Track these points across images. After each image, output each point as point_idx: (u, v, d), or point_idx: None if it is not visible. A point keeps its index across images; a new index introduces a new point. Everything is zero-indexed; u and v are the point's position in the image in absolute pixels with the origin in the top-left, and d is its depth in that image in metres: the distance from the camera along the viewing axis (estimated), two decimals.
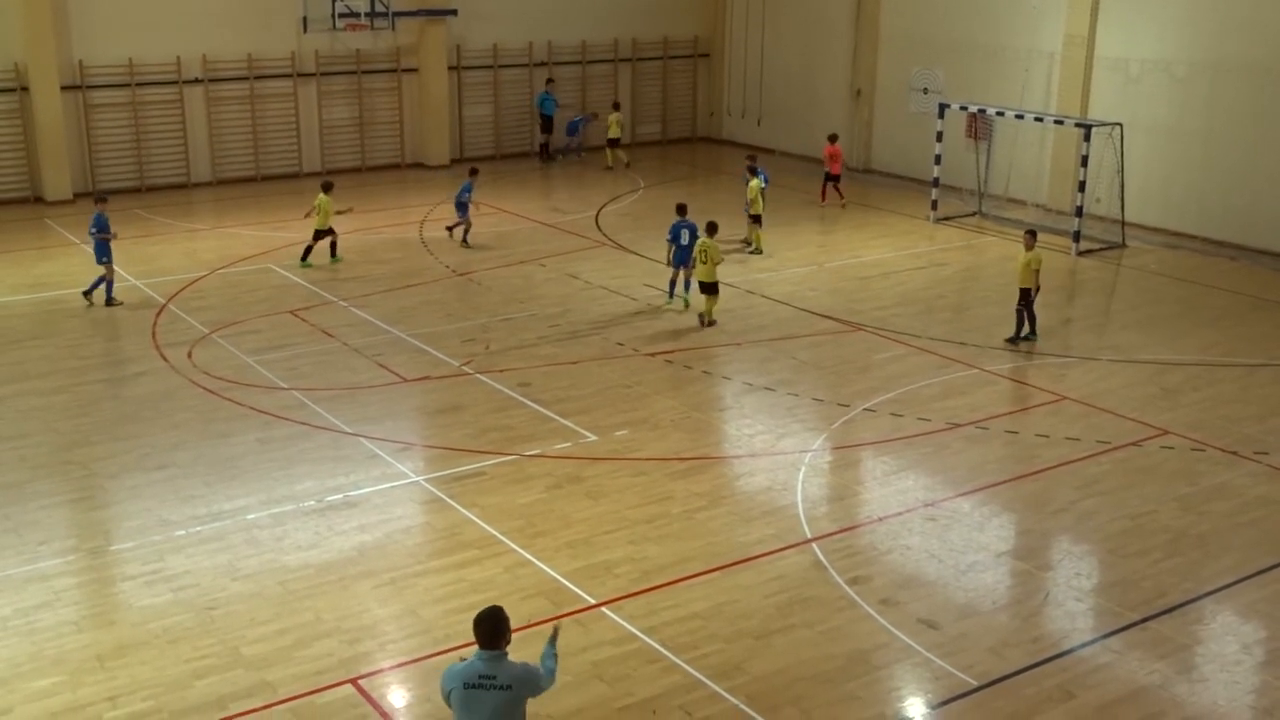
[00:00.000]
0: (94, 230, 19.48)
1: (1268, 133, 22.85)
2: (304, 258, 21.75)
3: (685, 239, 19.38)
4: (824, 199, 26.99)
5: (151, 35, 26.91)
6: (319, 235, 21.84)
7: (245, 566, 11.65)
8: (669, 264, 19.74)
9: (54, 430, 14.77)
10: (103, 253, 19.33)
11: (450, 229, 23.78)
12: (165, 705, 9.56)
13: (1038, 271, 17.98)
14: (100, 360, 17.12)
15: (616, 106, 31.69)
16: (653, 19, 33.34)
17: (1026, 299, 18.07)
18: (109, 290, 19.38)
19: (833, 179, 26.87)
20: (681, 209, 20.04)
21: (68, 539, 12.20)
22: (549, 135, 31.60)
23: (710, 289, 18.82)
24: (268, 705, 9.58)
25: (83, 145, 26.74)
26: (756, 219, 23.04)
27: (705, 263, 18.75)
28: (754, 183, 22.93)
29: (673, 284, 19.81)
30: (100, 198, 20.21)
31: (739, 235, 23.30)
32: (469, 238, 23.40)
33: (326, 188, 22.10)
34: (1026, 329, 18.22)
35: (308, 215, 22.08)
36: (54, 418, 15.14)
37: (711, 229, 18.96)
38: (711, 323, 18.82)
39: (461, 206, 23.45)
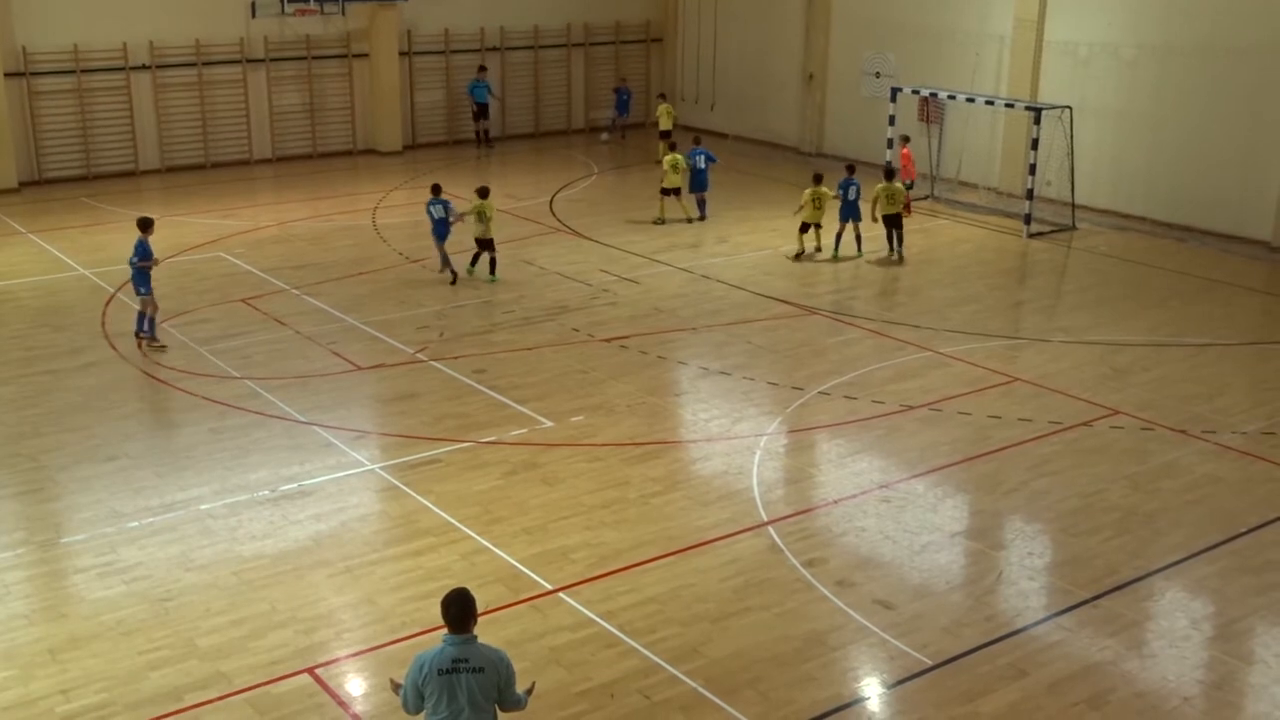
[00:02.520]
0: (135, 259, 16.71)
1: (1215, 115, 23.12)
2: (472, 263, 20.25)
3: (852, 195, 21.67)
4: (908, 210, 24.22)
5: (97, 21, 26.54)
6: (483, 244, 20.00)
7: (199, 557, 11.56)
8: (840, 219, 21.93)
9: (1, 422, 14.56)
10: (142, 283, 16.74)
11: (449, 267, 20.10)
12: (119, 698, 9.48)
13: (900, 199, 21.53)
14: (48, 351, 16.90)
15: (663, 97, 31.19)
16: (605, 4, 33.24)
17: (898, 223, 21.63)
18: (151, 328, 16.91)
19: (908, 186, 24.42)
20: (850, 168, 22.38)
21: (17, 532, 12.04)
22: (486, 122, 30.86)
23: (811, 228, 21.77)
24: (224, 696, 9.52)
25: (28, 133, 26.35)
26: (667, 192, 23.90)
27: (819, 208, 21.48)
28: (668, 157, 23.96)
29: (838, 237, 21.80)
30: (143, 223, 17.04)
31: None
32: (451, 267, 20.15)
33: (484, 193, 20.00)
34: (895, 249, 21.68)
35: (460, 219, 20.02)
36: (1, 410, 14.93)
37: (818, 179, 21.82)
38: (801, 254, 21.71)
39: (442, 231, 19.98)
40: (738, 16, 32.22)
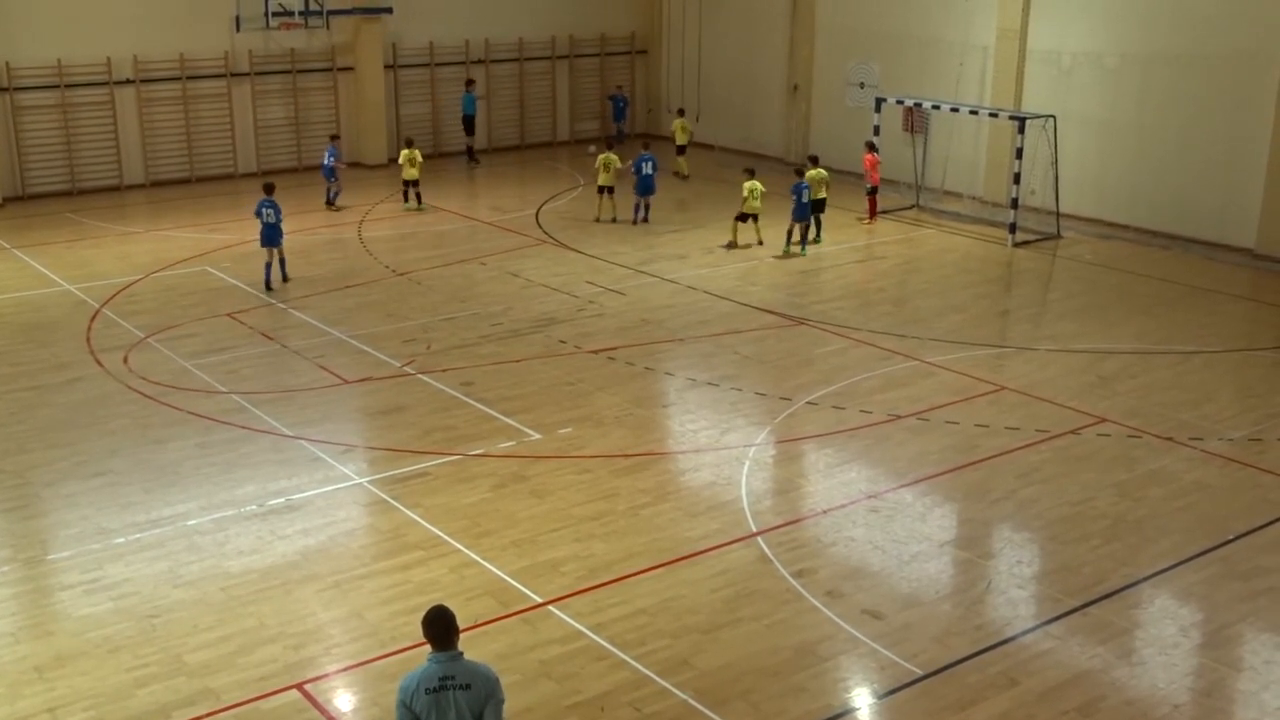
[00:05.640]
0: (277, 219, 20.16)
1: (1197, 123, 23.23)
2: (404, 199, 25.75)
3: (805, 197, 22.55)
4: (872, 216, 25.31)
5: (80, 36, 26.48)
6: (409, 183, 25.49)
7: (186, 573, 11.51)
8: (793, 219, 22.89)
9: None
10: (279, 236, 20.28)
11: (330, 202, 26.00)
12: (107, 715, 9.43)
13: (827, 185, 23.39)
14: (33, 367, 16.83)
15: (681, 113, 30.96)
16: (590, 15, 33.28)
17: (822, 208, 23.25)
18: (277, 270, 20.42)
19: (873, 191, 25.21)
20: (800, 171, 23.17)
21: (2, 549, 11.97)
22: (470, 138, 30.68)
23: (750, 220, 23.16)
24: (212, 713, 9.47)
25: (11, 148, 26.26)
26: (602, 190, 25.07)
27: (754, 198, 22.68)
28: (601, 156, 25.08)
29: (789, 235, 22.83)
30: (270, 186, 20.79)
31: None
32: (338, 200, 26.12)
33: (409, 143, 25.69)
34: (814, 233, 23.25)
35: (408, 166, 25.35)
36: None
37: (750, 173, 23.11)
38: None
39: (330, 171, 25.98)
40: (723, 28, 32.29)
